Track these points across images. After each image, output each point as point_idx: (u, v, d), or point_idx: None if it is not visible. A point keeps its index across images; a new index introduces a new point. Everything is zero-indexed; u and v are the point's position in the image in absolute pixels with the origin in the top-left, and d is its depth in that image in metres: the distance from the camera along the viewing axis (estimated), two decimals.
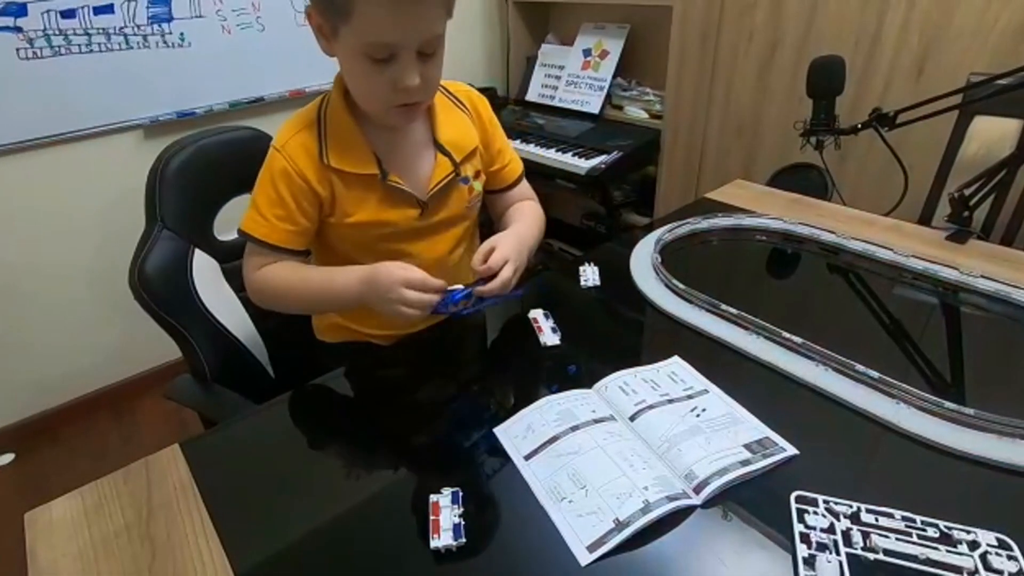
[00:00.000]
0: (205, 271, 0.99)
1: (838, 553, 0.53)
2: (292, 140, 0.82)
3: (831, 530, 0.55)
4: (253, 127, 1.08)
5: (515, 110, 2.36)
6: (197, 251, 0.98)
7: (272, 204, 0.82)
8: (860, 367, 0.73)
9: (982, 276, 0.92)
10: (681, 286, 0.92)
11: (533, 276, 0.99)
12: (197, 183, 0.98)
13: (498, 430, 0.70)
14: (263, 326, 1.05)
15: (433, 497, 0.60)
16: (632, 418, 0.69)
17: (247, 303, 1.01)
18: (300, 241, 0.85)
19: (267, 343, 1.06)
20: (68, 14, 1.55)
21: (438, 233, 0.91)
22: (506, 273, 0.78)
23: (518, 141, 2.07)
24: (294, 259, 0.86)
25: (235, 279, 1.00)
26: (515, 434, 0.69)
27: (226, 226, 1.04)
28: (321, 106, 0.84)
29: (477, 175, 0.93)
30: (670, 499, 0.58)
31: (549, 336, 0.86)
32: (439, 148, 0.87)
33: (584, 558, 0.55)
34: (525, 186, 1.05)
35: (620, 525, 0.56)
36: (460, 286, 0.78)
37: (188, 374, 0.96)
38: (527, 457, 0.66)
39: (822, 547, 0.53)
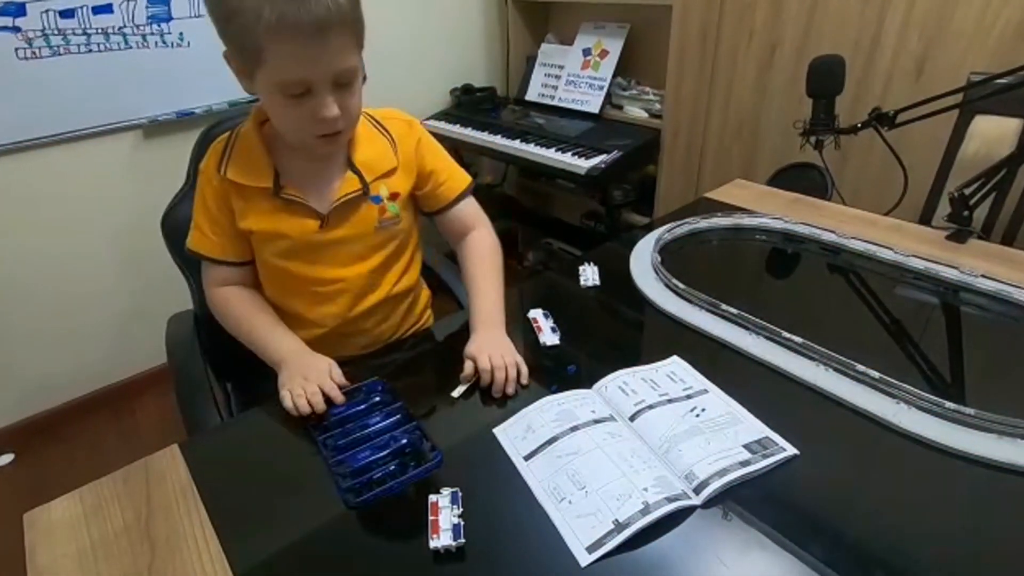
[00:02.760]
0: None
1: None
2: (208, 161, 0.88)
3: None
4: None
5: (515, 110, 2.35)
6: None
7: (207, 220, 0.88)
8: (860, 367, 0.73)
9: (982, 276, 0.91)
10: (681, 286, 0.92)
11: (532, 276, 0.98)
12: None
13: (497, 430, 0.70)
14: None
15: (432, 497, 0.60)
16: (632, 418, 0.69)
17: None
18: (240, 251, 0.90)
19: None
20: (67, 14, 1.54)
21: (342, 249, 0.91)
22: (501, 374, 0.76)
23: (518, 141, 2.07)
24: (240, 270, 0.92)
25: None
26: (514, 434, 0.69)
27: None
28: (234, 129, 0.90)
29: (394, 197, 0.92)
30: (670, 500, 0.58)
31: (548, 336, 0.86)
32: (351, 167, 0.89)
33: (584, 559, 0.54)
34: (471, 207, 1.01)
35: (619, 526, 0.56)
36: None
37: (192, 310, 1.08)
38: (526, 457, 0.66)
39: None
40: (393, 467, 0.65)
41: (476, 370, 0.77)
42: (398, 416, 0.71)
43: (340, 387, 0.76)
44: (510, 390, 0.76)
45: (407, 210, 0.96)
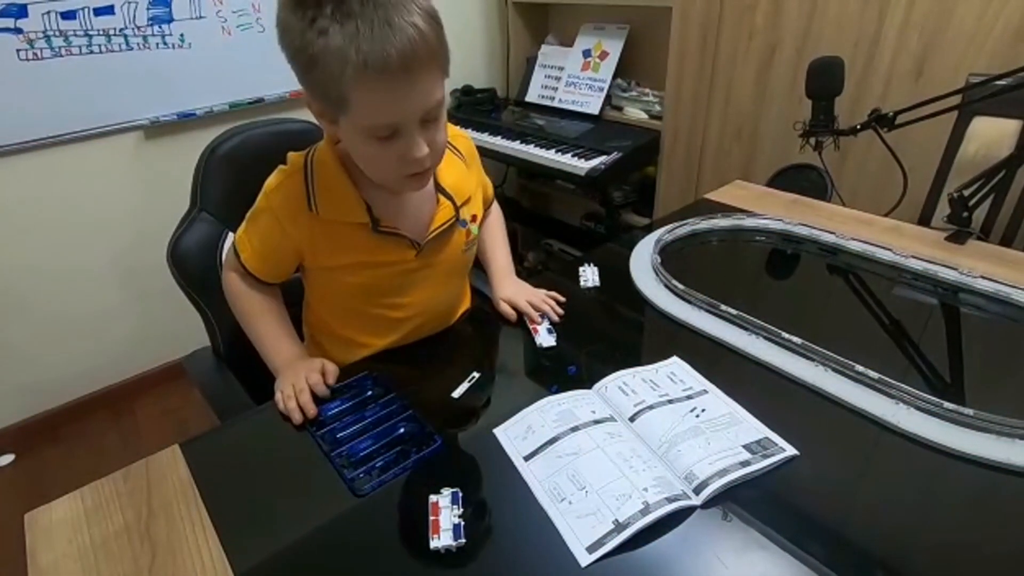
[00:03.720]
0: None
1: None
2: (281, 187, 0.82)
3: None
4: (306, 120, 1.05)
5: (515, 111, 2.36)
6: (231, 235, 0.99)
7: (259, 239, 0.84)
8: (860, 367, 0.73)
9: (981, 276, 0.92)
10: (681, 287, 0.92)
11: (532, 277, 0.99)
12: (239, 171, 1.00)
13: (498, 431, 0.70)
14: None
15: (433, 497, 0.60)
16: (632, 419, 0.69)
17: None
18: (275, 275, 0.87)
19: None
20: (68, 15, 1.55)
21: (433, 275, 0.90)
22: (545, 307, 0.91)
23: (518, 142, 2.07)
24: (266, 289, 0.89)
25: None
26: (515, 435, 0.69)
27: None
28: (308, 156, 0.83)
29: (474, 219, 0.94)
30: (670, 500, 0.58)
31: (544, 337, 0.86)
32: (441, 191, 0.87)
33: (584, 559, 0.55)
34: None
35: (619, 526, 0.56)
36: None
37: (209, 347, 1.04)
38: (527, 458, 0.66)
39: None
40: (394, 455, 0.66)
41: (518, 314, 0.91)
42: (393, 407, 0.73)
43: (331, 386, 0.78)
44: (556, 317, 0.90)
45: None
